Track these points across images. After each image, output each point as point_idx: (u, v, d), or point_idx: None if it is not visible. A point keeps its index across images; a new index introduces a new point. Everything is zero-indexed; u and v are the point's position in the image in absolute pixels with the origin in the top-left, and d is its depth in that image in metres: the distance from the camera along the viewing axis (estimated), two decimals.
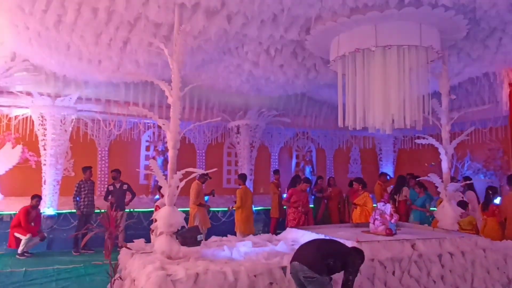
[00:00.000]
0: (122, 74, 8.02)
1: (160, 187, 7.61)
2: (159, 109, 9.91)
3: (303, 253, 3.94)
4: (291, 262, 3.95)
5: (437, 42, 5.79)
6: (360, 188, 7.83)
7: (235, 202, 8.64)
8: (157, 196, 9.81)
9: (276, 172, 11.54)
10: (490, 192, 6.99)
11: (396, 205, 8.46)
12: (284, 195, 9.37)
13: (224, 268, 4.14)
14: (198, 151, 12.47)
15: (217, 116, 10.66)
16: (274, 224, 10.35)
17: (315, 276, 3.74)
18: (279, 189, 10.74)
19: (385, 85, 5.73)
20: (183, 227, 4.96)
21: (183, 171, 4.80)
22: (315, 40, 6.30)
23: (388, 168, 13.68)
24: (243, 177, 9.00)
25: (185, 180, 4.85)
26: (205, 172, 6.71)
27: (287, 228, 6.48)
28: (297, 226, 7.46)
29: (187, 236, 5.07)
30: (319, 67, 7.72)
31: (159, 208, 6.93)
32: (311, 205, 9.92)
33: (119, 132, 11.08)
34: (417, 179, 8.41)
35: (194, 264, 4.24)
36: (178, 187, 4.81)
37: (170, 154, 4.97)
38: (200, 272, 4.00)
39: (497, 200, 7.00)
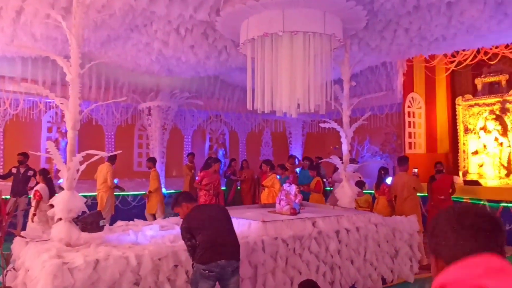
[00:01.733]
0: (16, 48, 7.31)
1: (43, 173, 7.21)
2: (62, 88, 9.20)
3: (227, 248, 3.75)
4: (214, 261, 3.65)
5: (339, 30, 6.06)
6: (268, 170, 8.08)
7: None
8: (60, 180, 9.25)
9: (190, 154, 11.48)
10: (382, 172, 7.62)
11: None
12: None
13: (127, 252, 4.03)
14: (106, 133, 11.88)
15: (127, 96, 10.23)
16: None
17: (238, 264, 3.79)
18: (193, 171, 10.71)
19: (291, 70, 5.91)
20: (83, 212, 4.74)
21: (83, 153, 4.55)
22: (225, 22, 6.25)
23: (297, 151, 14.26)
24: (153, 160, 8.97)
25: (86, 163, 4.62)
26: (110, 154, 6.45)
27: None
28: None
29: (88, 222, 4.85)
30: (230, 50, 7.70)
31: (39, 193, 6.56)
32: (223, 187, 10.04)
33: (15, 112, 10.14)
34: (278, 164, 8.84)
35: (95, 251, 4.06)
36: (78, 170, 4.57)
37: (69, 135, 4.67)
38: (101, 258, 3.86)
39: (388, 180, 7.66)
